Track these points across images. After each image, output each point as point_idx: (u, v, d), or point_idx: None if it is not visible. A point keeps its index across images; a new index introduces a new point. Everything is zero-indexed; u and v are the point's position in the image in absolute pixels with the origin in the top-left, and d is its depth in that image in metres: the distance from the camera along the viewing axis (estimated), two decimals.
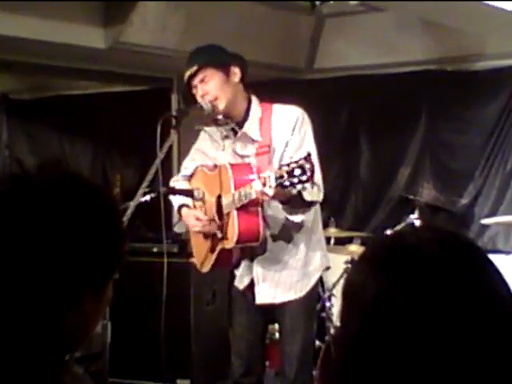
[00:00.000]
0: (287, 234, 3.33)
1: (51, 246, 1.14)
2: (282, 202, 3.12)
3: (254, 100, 3.36)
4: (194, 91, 3.32)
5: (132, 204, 3.06)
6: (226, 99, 3.28)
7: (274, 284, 3.34)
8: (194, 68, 3.28)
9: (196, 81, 3.29)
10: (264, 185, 2.92)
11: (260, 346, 3.50)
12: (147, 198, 3.24)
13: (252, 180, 3.06)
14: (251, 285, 3.38)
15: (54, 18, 4.51)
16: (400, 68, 5.65)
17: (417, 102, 5.61)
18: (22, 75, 6.36)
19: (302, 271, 3.36)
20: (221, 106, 3.27)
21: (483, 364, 0.94)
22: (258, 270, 3.35)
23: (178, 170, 5.66)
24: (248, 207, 3.16)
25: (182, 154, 5.99)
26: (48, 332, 1.16)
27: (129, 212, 3.00)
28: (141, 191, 3.10)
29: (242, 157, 3.34)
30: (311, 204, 3.18)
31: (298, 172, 2.81)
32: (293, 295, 3.35)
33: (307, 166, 2.81)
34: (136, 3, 4.66)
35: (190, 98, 3.36)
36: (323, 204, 3.37)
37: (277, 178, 2.85)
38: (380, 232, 5.06)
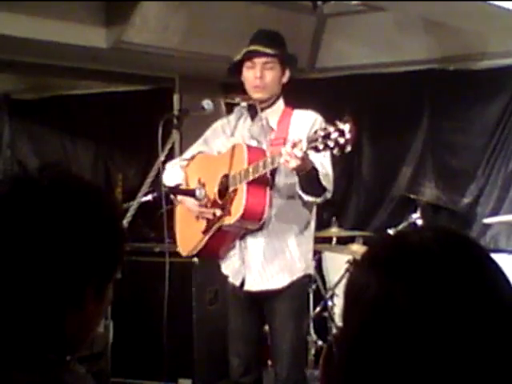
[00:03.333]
0: (285, 219, 3.33)
1: (52, 247, 1.15)
2: (299, 175, 3.07)
3: (281, 100, 3.43)
4: (246, 63, 3.33)
5: (134, 204, 3.07)
6: (269, 94, 3.35)
7: (259, 272, 3.34)
8: (270, 51, 3.30)
9: (260, 60, 3.30)
10: (294, 147, 2.85)
11: (256, 345, 3.49)
12: (149, 197, 3.24)
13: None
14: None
15: (56, 17, 4.51)
16: (402, 67, 5.64)
17: (419, 101, 5.61)
18: (24, 75, 6.35)
19: (284, 264, 3.34)
20: (261, 95, 3.33)
21: (485, 363, 0.94)
22: (249, 258, 3.35)
23: None
24: (258, 186, 3.17)
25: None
26: (50, 333, 1.16)
27: (131, 212, 3.01)
28: (143, 191, 3.10)
29: (258, 142, 3.38)
30: (322, 190, 3.17)
31: (335, 135, 2.70)
32: (269, 285, 3.33)
33: (347, 128, 2.69)
34: (138, 3, 4.66)
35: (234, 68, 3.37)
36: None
37: (309, 142, 2.79)
38: (382, 231, 5.06)
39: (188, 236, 3.49)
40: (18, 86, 6.74)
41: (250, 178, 3.15)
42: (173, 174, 3.52)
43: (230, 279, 3.44)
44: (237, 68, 3.37)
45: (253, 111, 3.41)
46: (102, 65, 5.53)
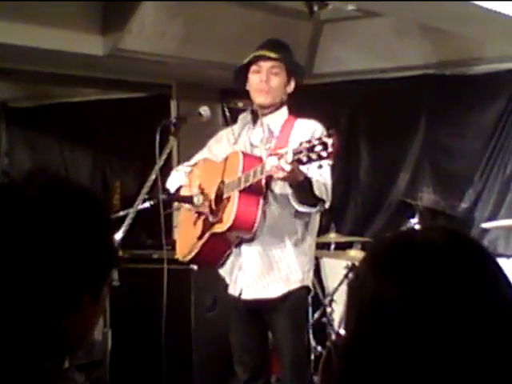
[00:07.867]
0: (281, 228, 3.31)
1: (44, 254, 1.14)
2: (292, 186, 3.09)
3: (285, 108, 3.43)
4: (252, 67, 3.35)
5: (132, 211, 3.06)
6: (273, 99, 3.35)
7: (255, 280, 3.33)
8: (277, 55, 3.33)
9: (267, 64, 3.33)
10: (280, 159, 2.88)
11: (261, 351, 3.48)
12: (147, 204, 3.24)
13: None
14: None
15: (53, 25, 4.51)
16: (399, 73, 5.65)
17: (416, 106, 5.61)
18: (21, 83, 6.36)
19: (280, 273, 3.33)
20: (264, 99, 3.34)
21: (485, 362, 0.94)
22: (245, 266, 3.34)
23: None
24: (251, 194, 3.16)
25: (182, 161, 5.99)
26: (46, 338, 1.16)
27: (129, 219, 3.00)
28: (141, 198, 3.10)
29: (258, 148, 3.37)
30: (317, 201, 3.16)
31: (318, 148, 2.76)
32: (264, 294, 3.32)
33: (330, 141, 2.75)
34: (134, 10, 4.66)
35: (239, 75, 3.39)
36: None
37: (294, 154, 2.81)
38: (380, 237, 5.06)
39: (185, 240, 3.49)
40: (15, 93, 6.74)
41: (242, 186, 3.15)
42: (176, 178, 3.54)
43: (229, 290, 3.43)
44: (242, 73, 3.40)
45: (255, 117, 3.42)
46: (98, 72, 5.54)
